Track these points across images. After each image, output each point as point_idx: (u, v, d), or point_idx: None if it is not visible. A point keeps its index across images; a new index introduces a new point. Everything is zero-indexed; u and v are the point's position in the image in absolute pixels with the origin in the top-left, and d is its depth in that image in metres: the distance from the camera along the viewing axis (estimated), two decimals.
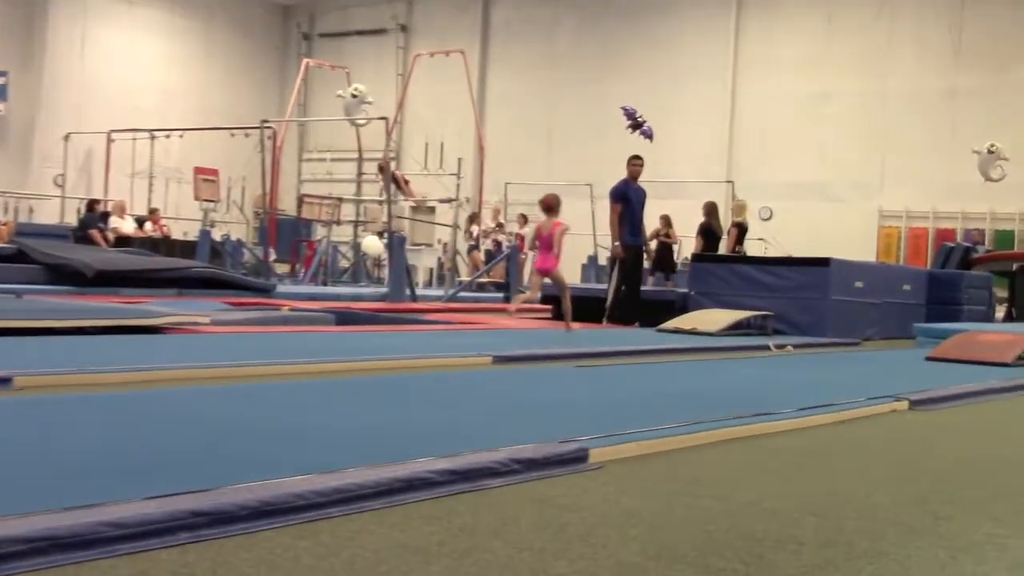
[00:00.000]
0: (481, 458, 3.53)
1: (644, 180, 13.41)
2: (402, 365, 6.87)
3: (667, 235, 20.19)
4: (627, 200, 12.87)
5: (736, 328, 11.94)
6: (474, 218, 24.27)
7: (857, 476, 3.91)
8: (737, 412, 5.07)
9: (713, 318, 12.13)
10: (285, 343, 7.90)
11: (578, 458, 3.80)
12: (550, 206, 11.39)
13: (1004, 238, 24.74)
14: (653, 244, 18.03)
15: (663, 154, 23.86)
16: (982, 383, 7.22)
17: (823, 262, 13.03)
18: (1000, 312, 17.61)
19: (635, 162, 13.13)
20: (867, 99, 26.50)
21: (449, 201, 20.48)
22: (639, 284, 13.09)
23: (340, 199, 23.24)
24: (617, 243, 12.91)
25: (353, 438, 3.91)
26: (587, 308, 13.47)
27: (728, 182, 26.34)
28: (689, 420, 4.70)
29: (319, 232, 24.03)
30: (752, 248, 19.86)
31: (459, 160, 20.86)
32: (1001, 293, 18.46)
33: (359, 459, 3.40)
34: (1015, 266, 17.85)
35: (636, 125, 22.04)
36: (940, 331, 11.94)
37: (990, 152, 20.49)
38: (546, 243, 11.30)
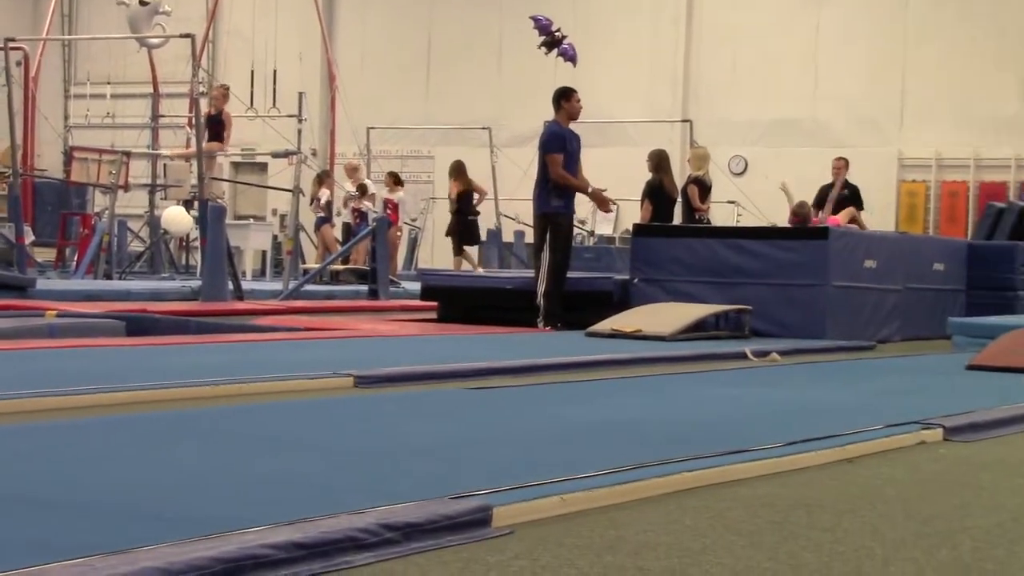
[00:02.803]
0: (340, 524, 3.52)
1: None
2: (222, 393, 6.82)
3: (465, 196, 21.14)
4: (566, 150, 12.99)
5: (698, 329, 12.05)
6: (324, 179, 24.18)
7: (869, 537, 3.98)
8: (699, 450, 5.12)
9: (665, 316, 12.22)
10: (50, 365, 7.77)
11: (478, 521, 3.81)
12: None
13: None
14: None
15: (591, 84, 23.93)
16: None
17: (820, 233, 13.22)
18: None
19: (577, 97, 13.26)
20: None
21: (287, 155, 20.37)
22: (566, 268, 13.18)
23: (127, 153, 22.98)
24: (591, 188, 13.37)
25: (149, 502, 3.88)
26: (496, 306, 13.51)
27: (684, 122, 26.62)
28: (632, 463, 4.75)
29: (98, 202, 23.77)
30: (719, 215, 20.10)
31: (300, 96, 20.74)
32: None
33: (159, 532, 3.38)
34: None
35: (553, 43, 22.22)
36: (985, 328, 12.18)
37: None
38: None
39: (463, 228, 21.75)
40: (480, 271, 14.12)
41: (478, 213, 21.97)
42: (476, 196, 21.87)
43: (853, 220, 16.83)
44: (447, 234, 22.28)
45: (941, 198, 26.86)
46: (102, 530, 3.47)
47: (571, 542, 3.74)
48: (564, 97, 13.18)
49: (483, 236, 24.80)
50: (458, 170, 21.89)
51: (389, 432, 5.60)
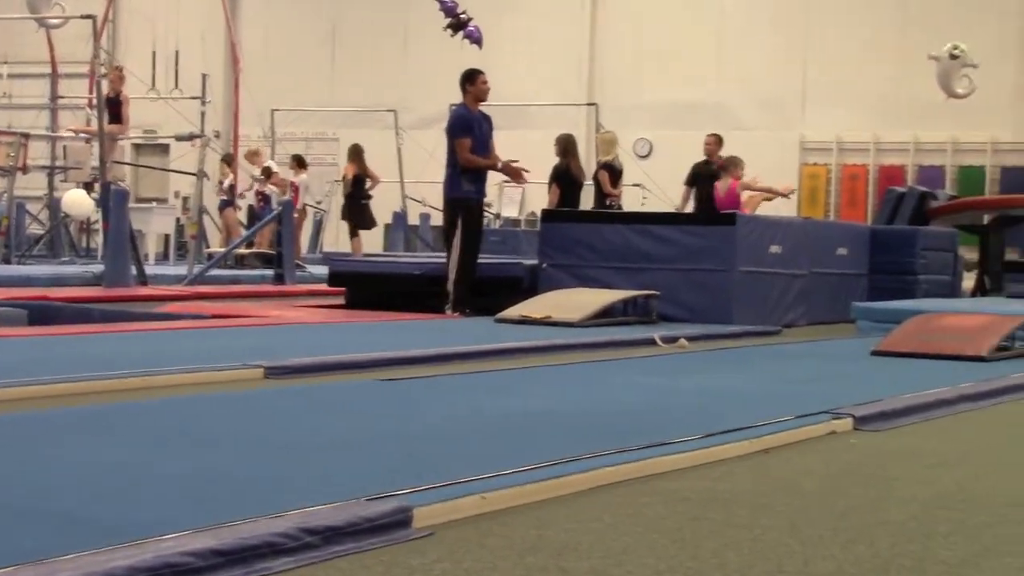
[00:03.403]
0: (258, 529, 3.48)
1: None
2: (131, 386, 6.75)
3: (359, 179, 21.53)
4: (473, 134, 12.94)
5: (607, 315, 12.09)
6: (229, 161, 23.97)
7: (787, 534, 3.99)
8: (617, 443, 5.13)
9: (575, 302, 12.25)
10: None
11: (398, 522, 3.78)
12: None
13: (970, 177, 25.71)
14: None
15: (497, 66, 23.89)
16: (951, 387, 7.47)
17: (726, 219, 13.30)
18: (969, 282, 18.27)
19: (483, 78, 13.17)
20: None
21: (191, 138, 20.18)
22: (477, 254, 13.15)
23: (26, 135, 22.62)
24: (501, 162, 13.27)
25: (58, 506, 3.81)
26: (405, 292, 13.47)
27: (590, 105, 26.65)
28: (551, 458, 4.74)
29: None
30: (627, 199, 20.15)
31: (204, 78, 20.56)
32: (970, 255, 19.17)
33: (72, 539, 3.32)
34: (987, 217, 18.54)
35: (458, 25, 22.20)
36: (889, 312, 12.33)
37: (953, 57, 21.25)
38: None
39: (356, 211, 21.94)
40: (359, 256, 14.30)
41: (370, 197, 22.11)
42: (369, 181, 21.99)
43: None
44: (342, 217, 22.41)
45: (842, 181, 27.12)
46: (9, 538, 3.39)
47: (493, 543, 3.73)
48: (469, 80, 13.13)
49: (389, 219, 24.76)
50: (355, 153, 22.02)
51: (302, 427, 5.56)
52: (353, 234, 22.15)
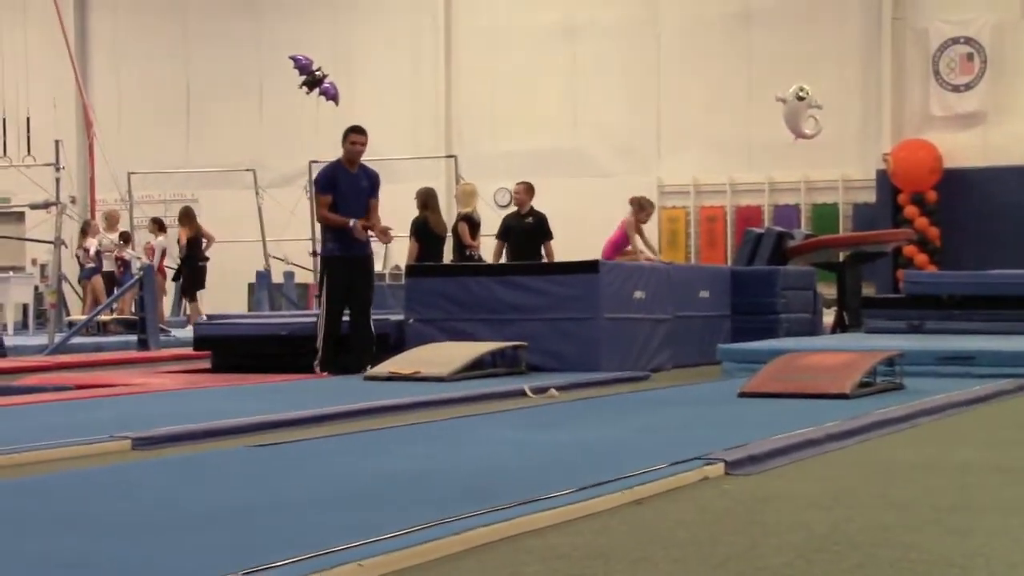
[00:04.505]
0: None
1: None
2: None
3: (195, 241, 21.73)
4: (336, 189, 12.95)
5: (476, 368, 12.11)
6: (88, 228, 23.65)
7: None
8: (492, 501, 5.10)
9: (443, 356, 12.25)
10: None
11: None
12: None
13: (824, 215, 26.12)
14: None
15: (355, 122, 23.85)
16: (817, 427, 7.55)
17: (589, 266, 13.37)
18: (829, 318, 18.55)
19: (355, 139, 13.15)
20: (632, 32, 27.44)
21: (46, 205, 19.89)
22: (359, 310, 13.06)
23: None
24: (352, 223, 12.92)
25: None
26: (272, 353, 13.37)
27: (449, 157, 26.71)
28: (427, 521, 4.70)
29: None
30: (487, 248, 20.17)
31: (57, 144, 20.31)
32: (828, 292, 19.47)
33: None
34: (843, 254, 18.85)
35: (314, 82, 22.18)
36: (752, 353, 12.49)
37: (800, 99, 21.57)
38: None
39: (194, 274, 22.13)
40: (203, 317, 14.49)
41: (207, 259, 22.16)
42: (205, 241, 22.08)
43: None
44: (174, 279, 22.48)
45: (700, 223, 27.39)
46: None
47: None
48: (344, 137, 13.18)
49: (252, 279, 24.55)
50: (187, 215, 22.17)
51: (174, 500, 5.47)
52: (192, 298, 22.20)
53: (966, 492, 5.82)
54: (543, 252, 16.54)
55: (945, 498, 5.63)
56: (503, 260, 16.65)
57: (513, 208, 17.57)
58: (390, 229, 13.46)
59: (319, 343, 12.94)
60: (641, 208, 15.77)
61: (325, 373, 12.69)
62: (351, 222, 12.95)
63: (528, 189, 17.07)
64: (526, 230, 16.69)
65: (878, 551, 4.51)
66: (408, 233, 16.78)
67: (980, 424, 8.83)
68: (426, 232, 16.72)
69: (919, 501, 5.57)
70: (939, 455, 7.08)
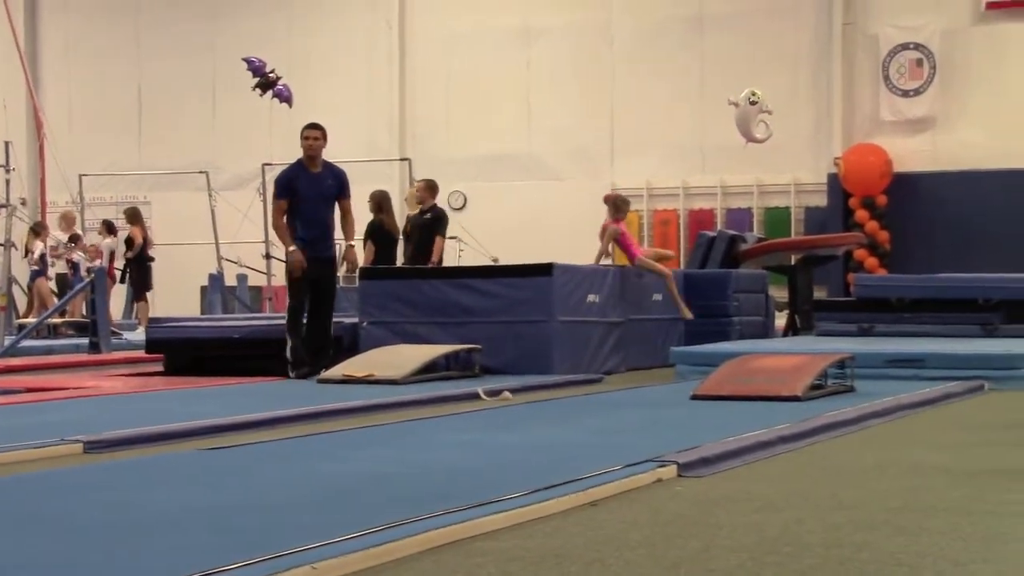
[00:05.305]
0: None
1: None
2: None
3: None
4: (294, 192, 12.68)
5: (429, 371, 12.11)
6: (38, 231, 23.50)
7: None
8: (446, 504, 5.11)
9: (396, 359, 12.24)
10: None
11: None
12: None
13: (776, 219, 26.24)
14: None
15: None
16: (768, 429, 7.60)
17: (543, 269, 13.36)
18: (781, 321, 18.63)
19: (307, 134, 12.82)
20: (585, 36, 27.49)
21: None
22: (321, 312, 12.87)
23: None
24: (292, 248, 12.62)
25: None
26: (225, 356, 13.36)
27: (403, 160, 26.70)
28: (381, 523, 4.70)
29: None
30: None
31: (7, 145, 20.16)
32: (780, 295, 19.55)
33: None
34: (795, 258, 18.94)
35: (267, 84, 22.09)
36: (705, 355, 12.54)
37: (752, 103, 21.65)
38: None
39: (143, 274, 22.36)
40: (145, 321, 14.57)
41: (152, 259, 22.30)
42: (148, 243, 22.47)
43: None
44: (122, 281, 22.45)
45: (654, 227, 27.45)
46: None
47: None
48: (301, 136, 12.93)
49: (205, 282, 24.48)
50: (137, 215, 22.27)
51: (126, 504, 5.44)
52: (141, 299, 22.19)
53: (916, 493, 5.87)
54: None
55: (895, 499, 5.67)
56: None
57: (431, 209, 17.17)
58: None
59: (288, 351, 12.64)
60: (616, 208, 15.56)
61: (295, 376, 12.47)
62: (290, 248, 12.62)
63: (427, 187, 17.12)
64: (423, 226, 16.74)
65: (829, 551, 4.54)
66: (363, 236, 16.79)
67: (929, 426, 8.90)
68: (382, 234, 16.77)
69: (869, 502, 5.61)
70: (889, 457, 7.13)
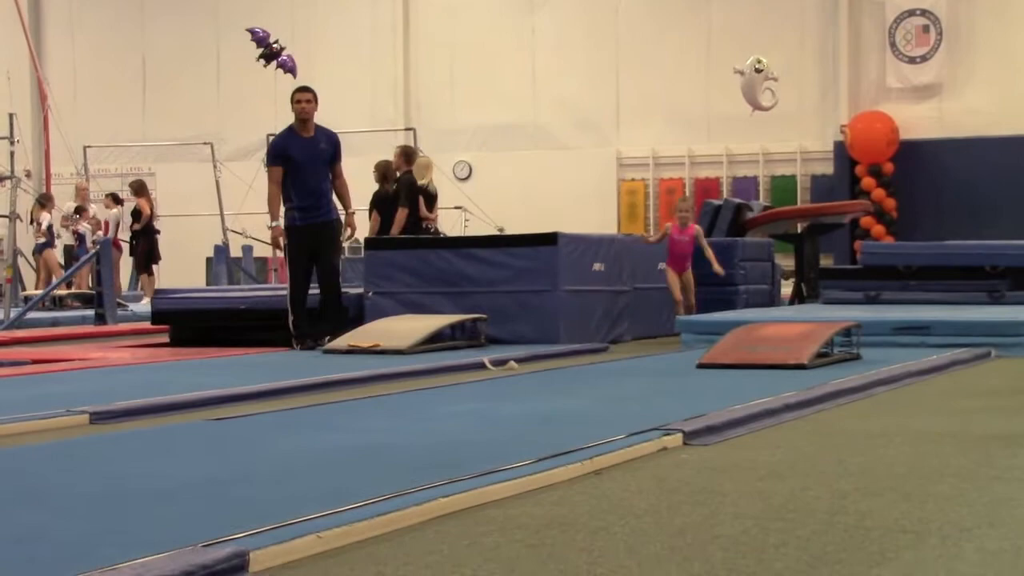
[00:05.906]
0: None
1: None
2: None
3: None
4: (288, 159, 12.46)
5: (435, 341, 12.12)
6: (44, 202, 23.50)
7: (625, 555, 4.02)
8: (452, 473, 5.12)
9: (402, 329, 12.25)
10: None
11: (234, 567, 3.74)
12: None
13: (782, 187, 26.24)
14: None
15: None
16: (774, 397, 7.60)
17: (548, 239, 13.37)
18: (787, 289, 18.63)
19: (298, 97, 12.63)
20: (591, 4, 27.43)
21: (1, 179, 19.79)
22: (327, 279, 12.69)
23: None
24: (274, 223, 12.59)
25: None
26: (231, 327, 13.40)
27: (408, 130, 26.67)
28: (387, 492, 4.72)
29: None
30: (447, 222, 20.20)
31: (11, 117, 20.21)
32: (787, 263, 19.56)
33: None
34: (801, 226, 18.93)
35: (271, 55, 22.08)
36: (711, 324, 12.54)
37: (757, 71, 21.61)
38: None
39: (150, 246, 22.42)
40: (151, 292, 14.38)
41: (158, 231, 22.53)
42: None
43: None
44: (131, 253, 22.44)
45: (659, 195, 27.45)
46: None
47: None
48: (291, 100, 12.78)
49: (211, 253, 24.48)
50: (143, 187, 22.27)
51: (132, 473, 5.46)
52: (149, 272, 22.21)
53: (922, 460, 5.87)
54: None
55: (901, 466, 5.68)
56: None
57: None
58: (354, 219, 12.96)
59: (290, 322, 12.47)
60: (407, 158, 15.62)
61: (299, 347, 12.42)
62: (272, 224, 12.58)
63: (402, 153, 17.02)
64: (393, 195, 16.54)
65: (835, 518, 4.55)
66: (368, 206, 16.78)
67: (936, 393, 8.89)
68: (386, 205, 16.72)
69: (875, 469, 5.61)
70: (895, 424, 7.13)
